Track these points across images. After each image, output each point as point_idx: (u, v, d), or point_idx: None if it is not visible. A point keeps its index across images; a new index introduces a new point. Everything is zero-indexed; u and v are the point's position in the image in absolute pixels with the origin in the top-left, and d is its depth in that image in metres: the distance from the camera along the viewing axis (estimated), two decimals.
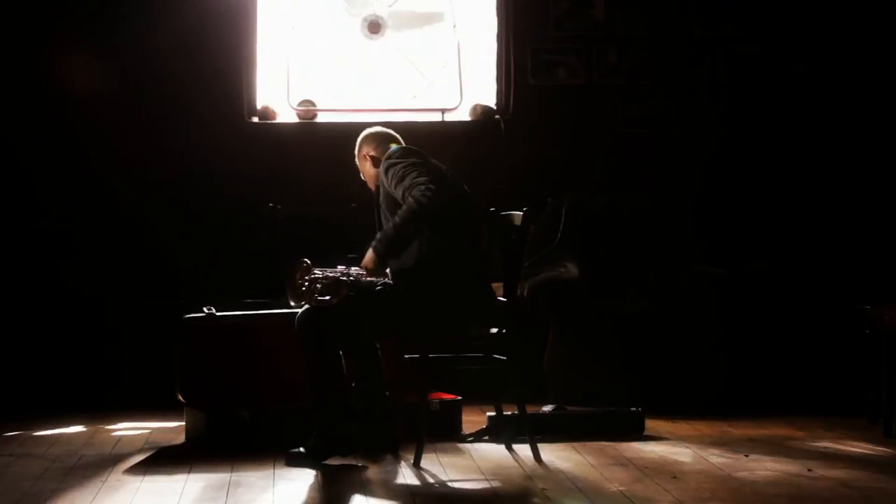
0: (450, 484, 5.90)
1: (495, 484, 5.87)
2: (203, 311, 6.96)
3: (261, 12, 8.72)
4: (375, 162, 6.51)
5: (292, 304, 6.29)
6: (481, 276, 6.34)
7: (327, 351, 6.21)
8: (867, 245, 8.53)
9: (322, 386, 6.22)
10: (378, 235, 6.21)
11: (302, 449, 6.27)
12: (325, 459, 6.24)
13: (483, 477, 6.00)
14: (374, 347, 6.53)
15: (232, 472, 6.09)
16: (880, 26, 8.81)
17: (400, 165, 6.23)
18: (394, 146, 6.50)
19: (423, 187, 6.05)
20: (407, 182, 6.13)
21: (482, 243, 6.44)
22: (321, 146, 8.46)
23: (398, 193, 6.17)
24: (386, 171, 6.28)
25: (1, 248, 8.30)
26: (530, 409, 6.67)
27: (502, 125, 8.74)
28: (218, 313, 6.95)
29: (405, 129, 8.54)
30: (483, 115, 8.79)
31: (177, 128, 8.44)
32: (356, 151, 6.69)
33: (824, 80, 8.81)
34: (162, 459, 6.53)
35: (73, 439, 7.03)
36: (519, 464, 6.28)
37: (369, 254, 6.21)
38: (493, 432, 6.80)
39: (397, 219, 6.11)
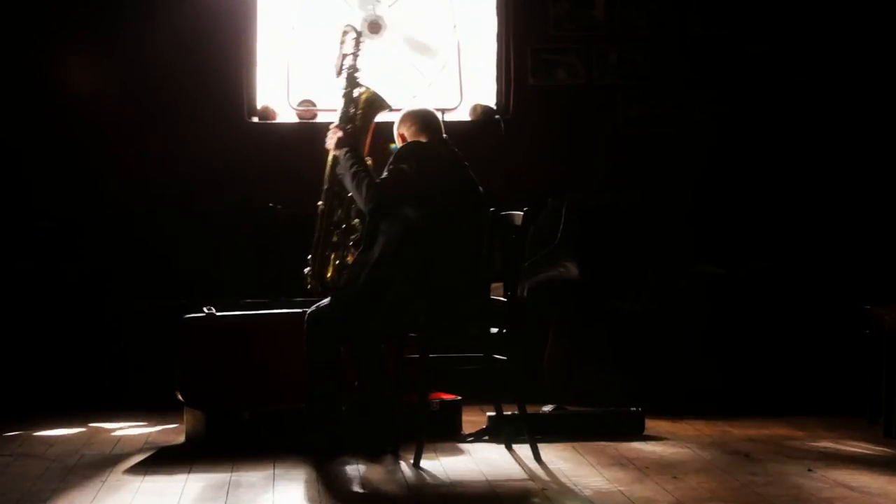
0: (450, 484, 5.90)
1: (495, 484, 5.87)
2: (203, 311, 6.96)
3: (261, 12, 8.72)
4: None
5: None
6: (472, 275, 6.34)
7: (329, 349, 6.31)
8: (867, 245, 8.53)
9: (319, 384, 6.32)
10: (356, 165, 6.55)
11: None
12: (324, 456, 6.29)
13: (483, 477, 6.00)
14: (377, 348, 6.54)
15: (232, 472, 6.09)
16: (881, 26, 8.81)
17: (393, 162, 6.45)
18: (411, 141, 6.59)
19: (370, 192, 6.38)
20: (381, 176, 6.44)
21: (481, 242, 6.43)
22: (321, 146, 8.40)
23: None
24: (394, 153, 6.51)
25: (1, 249, 8.30)
26: (530, 409, 6.67)
27: (502, 125, 8.74)
28: (218, 313, 6.95)
29: None
30: (483, 115, 8.79)
31: (177, 128, 8.45)
32: (396, 124, 6.75)
33: (825, 80, 8.81)
34: (162, 459, 6.53)
35: (74, 439, 7.03)
36: (519, 464, 6.29)
37: (339, 148, 6.67)
38: (493, 432, 6.80)
39: (362, 179, 6.46)
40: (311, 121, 8.74)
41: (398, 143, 6.65)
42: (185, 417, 6.96)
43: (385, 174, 6.44)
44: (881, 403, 7.10)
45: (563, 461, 6.31)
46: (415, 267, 6.23)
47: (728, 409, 7.59)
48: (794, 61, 8.81)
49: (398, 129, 6.71)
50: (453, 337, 6.42)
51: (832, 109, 8.79)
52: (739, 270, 8.10)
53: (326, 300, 6.46)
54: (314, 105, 8.77)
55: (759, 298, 8.02)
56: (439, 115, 6.79)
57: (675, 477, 5.94)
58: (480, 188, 6.52)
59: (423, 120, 6.66)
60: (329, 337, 6.35)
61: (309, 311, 6.46)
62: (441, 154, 6.48)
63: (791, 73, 8.81)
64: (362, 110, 6.76)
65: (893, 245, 8.49)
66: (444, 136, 6.67)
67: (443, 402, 6.95)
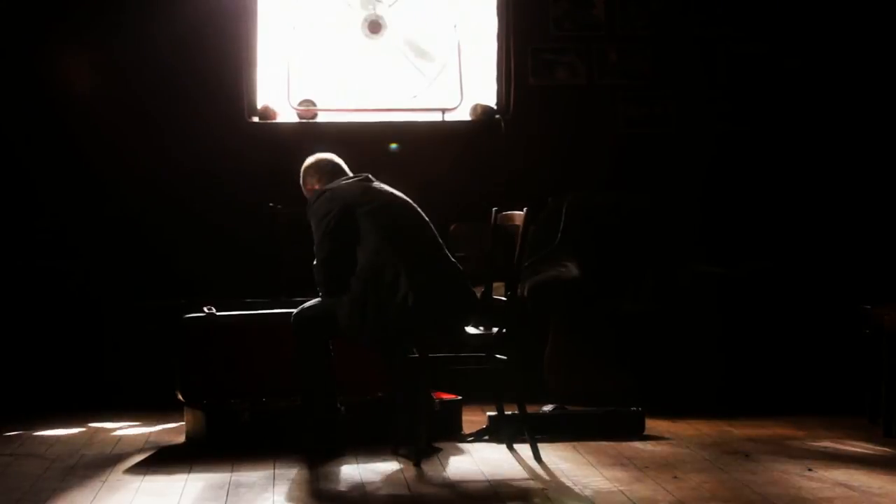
0: (450, 484, 5.90)
1: (496, 484, 5.87)
2: (203, 311, 6.96)
3: (261, 12, 8.72)
4: None
5: None
6: (444, 276, 6.35)
7: (319, 348, 6.35)
8: (868, 245, 8.53)
9: (312, 384, 6.39)
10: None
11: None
12: (322, 456, 6.31)
13: (483, 477, 6.00)
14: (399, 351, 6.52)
15: (232, 472, 6.09)
16: (881, 26, 8.81)
17: (314, 221, 6.46)
18: (317, 188, 6.65)
19: (321, 275, 6.39)
20: (316, 250, 6.42)
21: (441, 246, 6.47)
22: (321, 146, 8.42)
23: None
24: (309, 217, 6.51)
25: (1, 249, 8.30)
26: (531, 409, 6.66)
27: (502, 125, 8.75)
28: (217, 313, 6.95)
29: (405, 128, 8.62)
30: (483, 115, 8.79)
31: (177, 127, 8.45)
32: (301, 181, 6.80)
33: (825, 80, 8.81)
34: (162, 459, 6.53)
35: (74, 439, 7.03)
36: (519, 463, 6.28)
37: None
38: (493, 432, 6.80)
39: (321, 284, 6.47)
40: (311, 120, 8.75)
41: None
42: (185, 417, 6.96)
43: (316, 240, 6.45)
44: (881, 403, 7.10)
45: (563, 461, 6.30)
46: (391, 264, 6.22)
47: (728, 408, 7.58)
48: (794, 61, 8.81)
49: (307, 184, 6.78)
50: (447, 329, 6.38)
51: (833, 110, 8.80)
52: (740, 270, 8.09)
53: (312, 301, 6.47)
54: (314, 105, 8.77)
55: (759, 298, 8.01)
56: (338, 160, 6.82)
57: (675, 477, 5.94)
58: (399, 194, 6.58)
59: (324, 169, 6.75)
60: (318, 336, 6.36)
61: (295, 312, 6.46)
62: (349, 182, 6.56)
63: (791, 72, 8.81)
64: None
65: (894, 245, 8.48)
66: (349, 172, 6.75)
67: (443, 401, 6.95)
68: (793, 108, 8.81)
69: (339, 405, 6.46)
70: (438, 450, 6.51)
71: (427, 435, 6.44)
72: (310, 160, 6.82)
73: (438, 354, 6.40)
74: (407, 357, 6.38)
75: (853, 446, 6.74)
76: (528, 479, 5.98)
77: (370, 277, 6.21)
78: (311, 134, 8.63)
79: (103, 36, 8.45)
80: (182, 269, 8.27)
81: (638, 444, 6.72)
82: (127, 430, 7.32)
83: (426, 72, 8.91)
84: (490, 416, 6.85)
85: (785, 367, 7.95)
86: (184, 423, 6.98)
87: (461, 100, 8.84)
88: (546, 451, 6.42)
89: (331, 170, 6.74)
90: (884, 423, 7.03)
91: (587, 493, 5.65)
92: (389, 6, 8.85)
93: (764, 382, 7.90)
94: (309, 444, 6.41)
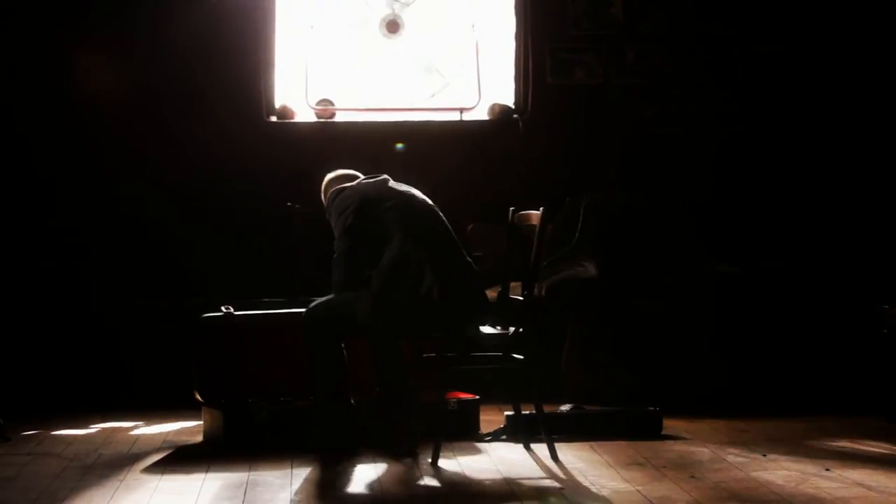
0: (467, 483, 5.90)
1: (513, 483, 5.87)
2: (220, 311, 6.97)
3: (279, 11, 8.73)
4: None
5: None
6: (457, 278, 6.37)
7: (331, 346, 6.40)
8: (885, 244, 8.51)
9: (326, 382, 6.43)
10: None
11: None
12: (339, 454, 6.33)
13: (501, 476, 6.00)
14: (396, 345, 6.54)
15: (249, 471, 6.10)
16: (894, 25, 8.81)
17: (333, 217, 6.58)
18: (332, 193, 6.74)
19: (340, 269, 6.45)
20: (336, 244, 6.50)
21: (458, 248, 6.50)
22: (339, 145, 8.47)
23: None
24: (328, 216, 6.64)
25: (18, 249, 8.33)
26: (548, 409, 6.66)
27: (520, 124, 8.75)
28: (235, 313, 6.96)
29: (423, 128, 8.63)
30: (501, 115, 8.79)
31: (195, 127, 8.46)
32: (322, 196, 6.89)
33: (840, 80, 8.78)
34: (180, 459, 6.54)
35: (92, 438, 7.05)
36: (536, 463, 6.29)
37: None
38: (510, 431, 6.80)
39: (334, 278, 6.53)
40: (329, 120, 8.75)
41: None
42: (202, 417, 6.97)
43: (337, 234, 6.52)
44: None
45: (580, 460, 6.30)
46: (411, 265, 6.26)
47: (746, 408, 7.58)
48: (810, 61, 8.79)
49: (326, 196, 6.86)
50: (461, 328, 6.40)
51: (849, 109, 8.77)
52: (756, 269, 8.08)
53: (321, 299, 6.50)
54: (332, 104, 8.78)
55: (776, 297, 8.01)
56: (358, 173, 6.91)
57: (692, 476, 5.93)
58: (415, 191, 6.65)
59: (344, 178, 6.85)
60: (330, 336, 6.38)
61: (306, 310, 6.50)
62: (367, 181, 6.67)
63: (807, 72, 8.79)
64: None
65: None
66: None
67: (460, 401, 6.95)
68: (808, 108, 8.78)
69: (353, 403, 6.48)
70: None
71: (414, 431, 6.49)
72: (330, 175, 6.94)
73: (455, 354, 6.41)
74: (397, 355, 6.45)
75: (871, 446, 6.73)
76: (545, 478, 5.99)
77: (392, 272, 6.24)
78: (328, 133, 8.64)
79: (119, 35, 8.46)
80: (200, 269, 8.29)
81: (655, 444, 6.71)
82: (144, 429, 7.34)
83: (444, 71, 8.93)
84: (507, 416, 6.85)
85: (802, 366, 7.95)
86: (201, 422, 7.00)
87: (479, 99, 8.84)
88: (563, 450, 6.42)
89: (350, 178, 6.83)
90: None
91: (604, 492, 5.65)
92: (407, 6, 8.85)
93: (781, 382, 7.90)
94: (325, 442, 6.43)
